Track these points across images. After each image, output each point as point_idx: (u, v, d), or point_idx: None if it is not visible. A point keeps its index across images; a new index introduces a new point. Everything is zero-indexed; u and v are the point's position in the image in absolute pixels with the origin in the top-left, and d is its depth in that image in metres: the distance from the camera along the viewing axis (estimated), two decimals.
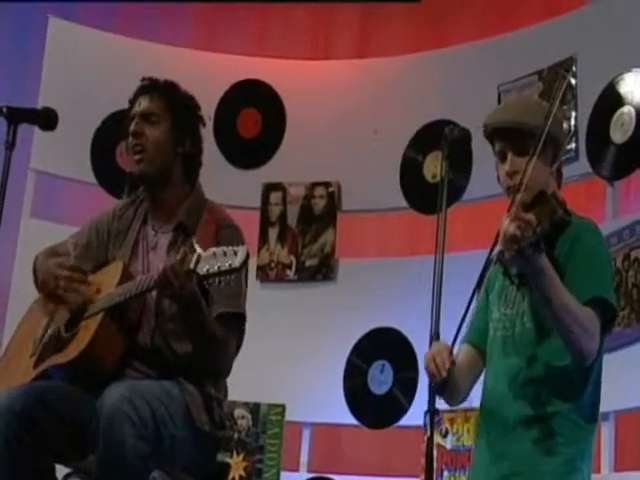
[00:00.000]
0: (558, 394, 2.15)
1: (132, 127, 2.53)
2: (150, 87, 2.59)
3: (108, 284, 2.49)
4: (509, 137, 2.23)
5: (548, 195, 2.14)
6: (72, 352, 2.42)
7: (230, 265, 2.22)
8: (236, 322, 2.50)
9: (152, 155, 2.53)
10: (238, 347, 2.54)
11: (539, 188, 2.18)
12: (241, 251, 2.23)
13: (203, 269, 2.24)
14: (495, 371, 2.23)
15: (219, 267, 2.22)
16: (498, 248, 2.10)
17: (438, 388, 2.12)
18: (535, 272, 2.07)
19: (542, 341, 2.17)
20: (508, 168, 2.22)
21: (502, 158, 2.25)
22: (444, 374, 2.10)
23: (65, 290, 2.49)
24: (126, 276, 2.48)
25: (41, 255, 2.64)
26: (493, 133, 2.27)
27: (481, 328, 2.29)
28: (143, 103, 2.56)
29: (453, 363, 2.13)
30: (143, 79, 2.63)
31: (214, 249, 2.25)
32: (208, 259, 2.24)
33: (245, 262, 2.23)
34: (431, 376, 2.13)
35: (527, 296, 2.20)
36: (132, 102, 2.60)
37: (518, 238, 2.00)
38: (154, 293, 2.47)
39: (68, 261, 2.54)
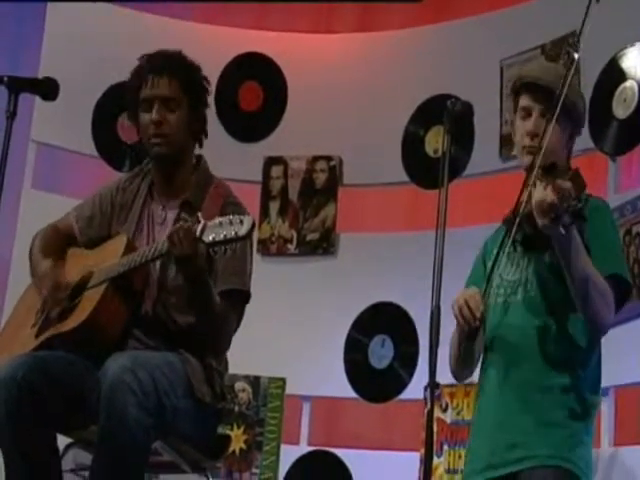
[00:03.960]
0: (564, 364, 2.15)
1: (154, 115, 2.51)
2: (166, 68, 2.54)
3: (112, 257, 2.50)
4: (542, 96, 2.19)
5: (573, 170, 2.13)
6: (74, 321, 2.43)
7: (236, 233, 2.23)
8: (240, 299, 2.51)
9: (172, 139, 2.54)
10: (237, 325, 2.54)
11: (553, 157, 2.17)
12: (247, 220, 2.24)
13: (209, 237, 2.25)
14: (499, 338, 2.22)
15: (225, 235, 2.23)
16: (509, 216, 2.09)
17: (470, 335, 2.09)
18: (566, 240, 2.05)
19: (548, 310, 2.16)
20: (531, 128, 2.19)
21: (526, 115, 2.23)
22: (478, 316, 2.09)
23: (47, 302, 2.51)
24: (130, 249, 2.49)
25: (39, 238, 2.64)
26: (523, 87, 2.24)
27: None
28: (162, 88, 2.52)
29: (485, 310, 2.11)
30: (152, 56, 2.57)
31: (220, 218, 2.27)
32: (214, 228, 2.26)
33: (251, 230, 2.24)
34: (464, 321, 2.10)
35: (532, 264, 2.19)
36: (143, 78, 2.54)
37: (556, 206, 1.98)
38: (157, 266, 2.48)
39: (52, 272, 2.52)
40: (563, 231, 2.02)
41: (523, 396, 2.16)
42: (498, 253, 2.17)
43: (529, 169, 2.16)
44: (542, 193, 2.01)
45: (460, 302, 2.11)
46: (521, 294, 2.20)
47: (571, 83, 2.23)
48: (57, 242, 2.64)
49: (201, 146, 2.63)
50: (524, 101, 2.23)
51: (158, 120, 2.52)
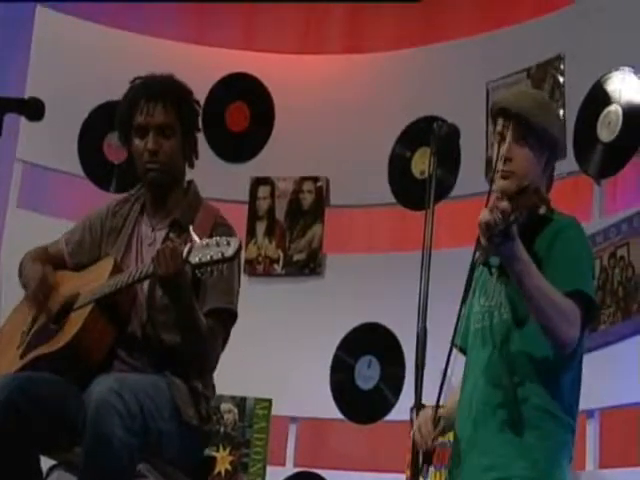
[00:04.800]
0: (535, 381, 2.15)
1: (150, 145, 2.51)
2: (161, 95, 2.53)
3: (99, 278, 2.49)
4: (515, 121, 2.22)
5: (531, 189, 2.15)
6: (59, 342, 2.42)
7: (223, 254, 2.23)
8: (226, 318, 2.51)
9: (167, 166, 2.55)
10: (223, 344, 2.54)
11: (527, 180, 2.19)
12: (234, 241, 2.25)
13: (195, 258, 2.26)
14: (474, 363, 2.24)
15: (211, 256, 2.24)
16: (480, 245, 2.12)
17: (425, 457, 2.14)
18: (509, 259, 2.09)
19: (519, 331, 2.17)
20: (504, 152, 2.22)
21: (500, 139, 2.25)
22: (429, 444, 2.14)
23: (35, 299, 2.52)
24: (117, 270, 2.49)
25: (28, 255, 2.65)
26: (499, 112, 2.27)
27: None
28: (157, 115, 2.52)
29: (441, 431, 2.17)
30: (146, 80, 2.57)
31: (207, 240, 2.28)
32: (201, 249, 2.26)
33: (238, 252, 2.25)
34: (418, 446, 2.16)
35: (505, 288, 2.21)
36: (137, 103, 2.53)
37: (491, 225, 2.02)
38: (145, 286, 2.48)
39: (45, 269, 2.53)
40: (495, 251, 2.06)
41: (497, 418, 2.16)
42: (469, 281, 2.19)
43: (502, 193, 2.19)
44: (481, 214, 2.05)
45: (414, 428, 2.17)
46: (497, 318, 2.22)
47: (547, 110, 2.26)
48: (48, 260, 2.64)
49: (192, 166, 2.64)
50: (499, 126, 2.27)
51: (155, 150, 2.52)
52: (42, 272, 2.54)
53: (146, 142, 2.53)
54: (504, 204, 2.04)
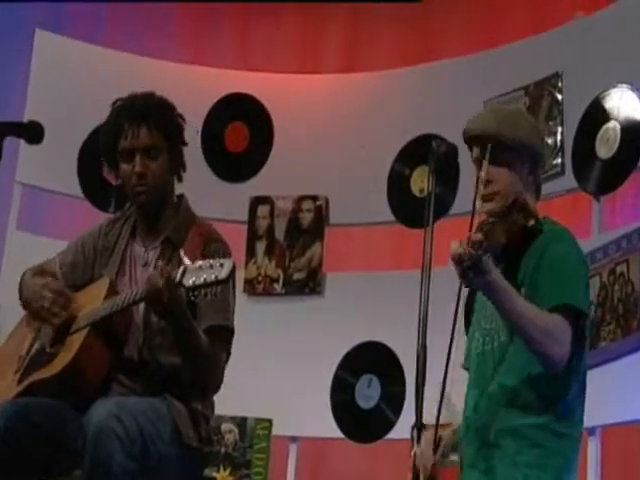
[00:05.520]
0: (537, 404, 2.15)
1: (137, 168, 2.50)
2: (144, 117, 2.52)
3: (94, 300, 2.48)
4: (485, 146, 2.23)
5: (517, 206, 2.15)
6: (56, 367, 2.42)
7: (216, 277, 2.22)
8: (224, 336, 2.50)
9: (156, 187, 2.54)
10: (225, 362, 2.53)
11: (511, 197, 2.20)
12: (227, 263, 2.23)
13: (189, 281, 2.25)
14: (475, 386, 2.24)
15: (205, 279, 2.23)
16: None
17: None
18: (485, 289, 2.09)
19: (516, 352, 2.18)
20: (484, 176, 2.23)
21: (478, 165, 2.26)
22: (429, 469, 2.16)
23: (48, 312, 2.48)
24: (112, 292, 2.48)
25: (28, 272, 2.64)
26: (472, 140, 2.28)
27: None
28: (142, 138, 2.51)
29: (442, 455, 2.19)
30: (126, 103, 2.56)
31: (200, 262, 2.26)
32: (194, 271, 2.25)
33: (231, 274, 2.24)
34: (419, 471, 2.17)
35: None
36: (120, 128, 2.52)
37: (462, 259, 2.01)
38: (141, 308, 2.47)
39: (54, 283, 2.53)
40: (469, 284, 2.05)
41: (503, 440, 2.16)
42: (457, 303, 2.20)
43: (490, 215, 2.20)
44: (453, 246, 2.04)
45: (417, 453, 2.18)
46: (496, 341, 2.22)
47: (515, 122, 2.26)
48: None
49: (180, 180, 2.62)
50: (474, 153, 2.29)
51: (142, 173, 2.52)
52: (56, 285, 2.50)
53: (133, 165, 2.52)
54: (477, 236, 2.03)
